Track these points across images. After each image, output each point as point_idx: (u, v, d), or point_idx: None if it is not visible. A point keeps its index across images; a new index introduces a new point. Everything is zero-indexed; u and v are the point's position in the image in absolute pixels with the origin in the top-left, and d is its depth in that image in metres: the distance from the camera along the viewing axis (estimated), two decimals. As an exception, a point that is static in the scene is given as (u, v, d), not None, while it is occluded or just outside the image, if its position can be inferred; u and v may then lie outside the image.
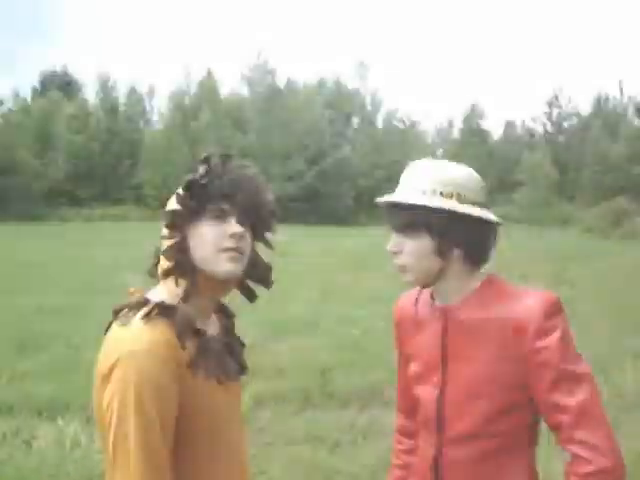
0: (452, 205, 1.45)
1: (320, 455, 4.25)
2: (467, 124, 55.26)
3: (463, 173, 1.51)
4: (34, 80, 55.23)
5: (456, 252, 1.49)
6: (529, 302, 1.44)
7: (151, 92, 53.07)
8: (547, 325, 1.40)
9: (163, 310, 1.30)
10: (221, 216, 1.34)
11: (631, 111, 55.22)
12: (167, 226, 1.34)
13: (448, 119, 67.56)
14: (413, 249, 1.49)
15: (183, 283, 1.33)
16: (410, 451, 1.81)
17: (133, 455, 1.20)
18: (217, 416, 1.36)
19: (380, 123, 54.47)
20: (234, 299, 1.61)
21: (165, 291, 1.36)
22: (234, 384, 1.45)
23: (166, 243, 1.34)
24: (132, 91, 50.86)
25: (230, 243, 1.34)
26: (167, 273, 1.34)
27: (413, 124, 56.82)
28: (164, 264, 1.34)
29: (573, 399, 1.37)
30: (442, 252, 1.48)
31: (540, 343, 1.40)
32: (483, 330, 1.48)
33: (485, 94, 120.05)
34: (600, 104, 56.07)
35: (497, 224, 1.53)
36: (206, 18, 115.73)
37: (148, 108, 52.82)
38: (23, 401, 5.05)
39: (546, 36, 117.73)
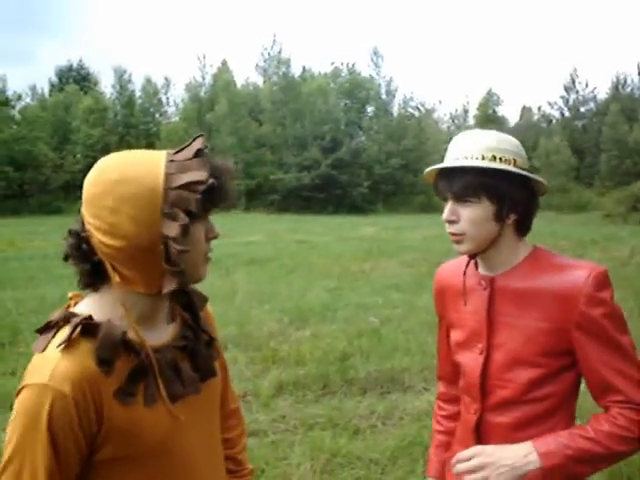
0: (513, 169, 1.48)
1: (340, 441, 4.27)
2: (483, 110, 54.85)
3: (515, 141, 1.54)
4: (51, 74, 55.61)
5: (512, 217, 1.52)
6: (579, 273, 1.46)
7: (167, 84, 53.23)
8: (597, 296, 1.44)
9: (86, 329, 1.16)
10: (204, 217, 1.23)
11: (650, 94, 54.51)
12: (183, 233, 1.15)
13: (463, 106, 67.24)
14: (472, 215, 1.49)
15: (147, 288, 1.20)
16: (452, 417, 1.87)
17: (8, 460, 1.11)
18: (167, 443, 1.23)
19: (395, 111, 54.24)
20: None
21: (100, 298, 1.23)
22: (196, 397, 1.30)
23: (177, 248, 1.15)
24: (148, 83, 51.04)
25: (209, 247, 1.26)
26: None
27: (428, 111, 56.50)
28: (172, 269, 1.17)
29: (615, 369, 1.44)
30: (501, 217, 1.50)
31: (590, 312, 1.44)
32: (531, 299, 1.51)
33: (501, 80, 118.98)
34: (618, 88, 55.36)
35: (541, 192, 1.57)
36: (220, 9, 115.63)
37: (164, 100, 52.98)
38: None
39: (562, 20, 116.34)
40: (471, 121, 58.34)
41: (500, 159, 1.47)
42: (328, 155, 45.10)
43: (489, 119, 53.24)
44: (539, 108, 60.13)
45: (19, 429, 1.11)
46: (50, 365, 1.12)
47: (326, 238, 20.81)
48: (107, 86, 55.40)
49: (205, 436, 1.34)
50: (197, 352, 1.33)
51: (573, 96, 56.80)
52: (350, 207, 43.81)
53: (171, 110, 53.29)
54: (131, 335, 1.19)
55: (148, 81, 51.09)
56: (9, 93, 44.70)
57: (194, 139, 1.24)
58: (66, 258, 1.24)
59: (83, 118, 44.85)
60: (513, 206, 1.50)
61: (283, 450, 4.17)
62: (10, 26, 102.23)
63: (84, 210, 1.19)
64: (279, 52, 52.97)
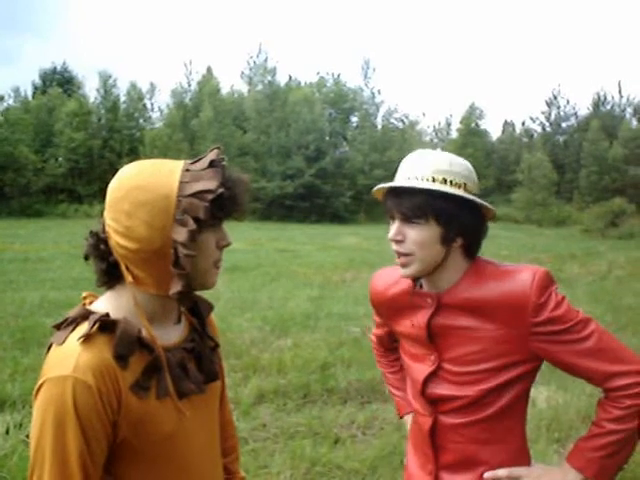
0: (463, 193, 1.48)
1: (321, 450, 4.28)
2: (466, 124, 55.27)
3: (467, 165, 1.54)
4: (34, 77, 55.20)
5: (458, 241, 1.52)
6: (522, 278, 1.48)
7: (152, 89, 53.03)
8: (542, 299, 1.46)
9: (104, 325, 1.22)
10: (216, 225, 1.28)
11: (629, 112, 55.31)
12: (190, 238, 1.21)
13: (447, 119, 67.67)
14: (419, 236, 1.49)
15: (152, 290, 1.27)
16: (396, 359, 2.00)
17: (39, 453, 1.14)
18: (173, 436, 1.29)
19: (379, 122, 54.45)
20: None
21: (115, 297, 1.29)
22: (200, 397, 1.37)
23: (184, 252, 1.21)
24: (133, 88, 50.78)
25: (220, 254, 1.32)
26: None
27: (412, 123, 56.83)
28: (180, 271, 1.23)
29: (587, 344, 1.47)
30: (447, 240, 1.50)
31: (540, 316, 1.47)
32: (479, 309, 1.52)
33: (484, 94, 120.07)
34: (598, 105, 56.09)
35: (490, 218, 1.58)
36: (207, 15, 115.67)
37: (149, 105, 52.77)
38: (26, 396, 5.08)
39: (545, 37, 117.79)
40: (454, 134, 58.76)
41: (451, 182, 1.47)
42: (312, 164, 45.16)
43: (472, 133, 53.69)
44: (523, 123, 60.74)
45: (48, 420, 1.14)
46: (72, 357, 1.17)
47: (308, 247, 20.85)
48: (91, 90, 55.17)
49: (207, 434, 1.40)
50: (203, 355, 1.40)
51: (555, 112, 57.49)
52: (332, 217, 43.90)
53: (155, 116, 53.12)
54: (144, 333, 1.26)
55: (133, 86, 50.85)
56: (-9, 94, 44.33)
57: (210, 150, 1.30)
58: (86, 257, 1.31)
59: (66, 121, 44.49)
60: (460, 230, 1.50)
61: (263, 458, 4.17)
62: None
63: (105, 213, 1.26)
64: (265, 60, 53.06)
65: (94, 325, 1.20)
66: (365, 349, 6.88)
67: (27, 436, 4.42)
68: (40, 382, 1.18)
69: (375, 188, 1.59)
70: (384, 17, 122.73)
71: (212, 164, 1.26)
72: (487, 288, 1.51)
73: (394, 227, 1.52)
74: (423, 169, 1.49)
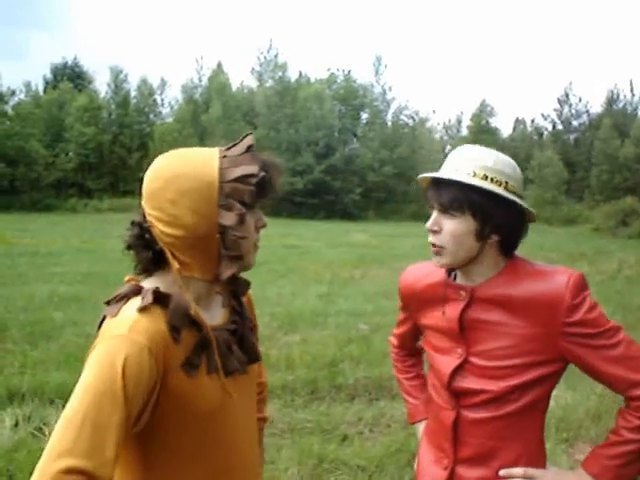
0: (502, 191, 1.48)
1: (328, 447, 4.27)
2: (476, 121, 55.03)
3: (511, 164, 1.55)
4: (45, 71, 55.38)
5: (494, 238, 1.53)
6: (558, 278, 1.49)
7: (162, 85, 53.11)
8: (577, 300, 1.47)
9: (157, 297, 1.25)
10: (254, 208, 1.33)
11: (642, 110, 54.91)
12: (240, 221, 1.27)
13: (457, 116, 67.46)
14: (454, 228, 1.51)
15: (196, 272, 1.31)
16: (413, 365, 2.05)
17: (77, 403, 1.11)
18: (215, 414, 1.32)
19: (389, 119, 54.32)
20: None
21: (160, 280, 1.32)
22: (243, 376, 1.41)
23: (236, 234, 1.27)
24: (143, 83, 50.87)
25: (258, 236, 1.36)
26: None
27: (422, 120, 56.64)
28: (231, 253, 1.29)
29: (615, 351, 1.48)
30: (482, 235, 1.51)
31: (573, 317, 1.47)
32: (512, 306, 1.53)
33: (495, 91, 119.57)
34: (611, 103, 55.71)
35: (530, 219, 1.58)
36: (218, 10, 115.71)
37: (159, 101, 52.85)
38: (35, 389, 5.11)
39: (557, 34, 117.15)
40: (464, 132, 58.47)
41: (492, 179, 1.49)
42: (321, 161, 45.13)
43: (482, 130, 53.39)
44: (532, 121, 60.39)
45: (93, 373, 1.14)
46: (128, 322, 1.21)
47: (317, 244, 20.84)
48: (102, 84, 55.28)
49: (247, 413, 1.45)
50: (245, 336, 1.44)
51: (566, 110, 57.15)
52: (342, 213, 43.85)
53: (165, 111, 53.20)
54: (193, 312, 1.29)
55: (144, 81, 50.94)
56: (2, 89, 44.48)
57: (245, 136, 1.35)
58: (129, 247, 1.34)
59: (77, 116, 44.65)
60: (496, 227, 1.51)
61: (271, 454, 4.17)
62: (3, 20, 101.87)
63: (145, 203, 1.30)
64: (275, 56, 53.06)
65: (150, 296, 1.24)
66: (374, 346, 6.88)
67: (36, 429, 4.45)
68: (93, 346, 1.20)
69: (419, 177, 1.62)
70: (396, 13, 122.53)
71: (249, 149, 1.31)
72: (522, 285, 1.52)
73: (432, 217, 1.55)
74: (467, 163, 1.51)
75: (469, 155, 1.53)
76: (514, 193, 1.51)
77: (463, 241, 1.51)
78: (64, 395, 5.08)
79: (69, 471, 1.04)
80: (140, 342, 1.18)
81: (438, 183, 1.53)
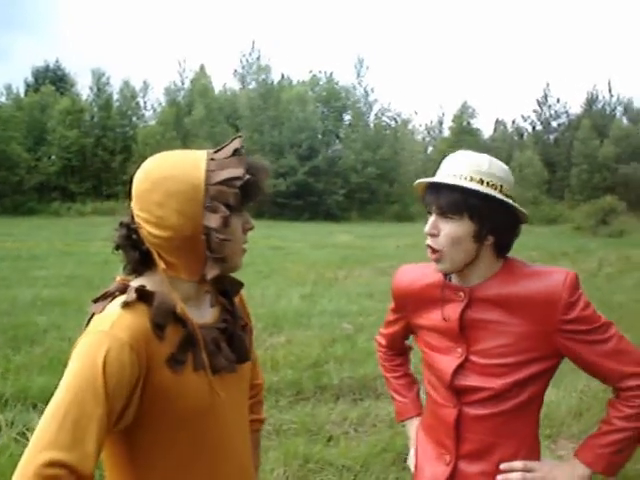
0: (498, 195, 1.55)
1: (313, 447, 4.27)
2: (458, 122, 55.29)
3: (504, 168, 1.61)
4: (26, 73, 54.87)
5: (490, 239, 1.59)
6: (555, 277, 1.55)
7: (145, 87, 52.79)
8: (574, 298, 1.53)
9: (142, 295, 1.27)
10: (241, 210, 1.35)
11: (620, 111, 55.52)
12: (224, 224, 1.28)
13: (439, 117, 67.74)
14: (452, 231, 1.57)
15: (185, 272, 1.33)
16: (401, 364, 2.07)
17: (60, 398, 1.14)
18: (204, 414, 1.32)
19: (372, 120, 54.44)
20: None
21: (148, 280, 1.34)
22: (232, 375, 1.41)
23: (219, 237, 1.28)
24: (126, 86, 50.52)
25: (245, 238, 1.39)
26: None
27: (404, 122, 56.84)
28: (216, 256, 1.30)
29: (608, 346, 1.55)
30: (479, 237, 1.57)
31: (570, 314, 1.53)
32: (509, 304, 1.58)
33: (476, 93, 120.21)
34: (590, 104, 56.24)
35: (523, 221, 1.64)
36: (200, 13, 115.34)
37: (142, 103, 52.53)
38: (18, 394, 5.07)
39: (537, 35, 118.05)
40: (446, 133, 58.76)
41: (487, 183, 1.55)
42: (305, 163, 45.14)
43: (464, 131, 53.66)
44: (513, 121, 60.80)
45: (74, 370, 1.17)
46: (111, 318, 1.23)
47: (301, 244, 20.84)
48: (84, 88, 54.72)
49: (237, 413, 1.46)
50: (235, 335, 1.45)
51: (546, 111, 57.60)
52: (325, 214, 43.89)
53: (148, 114, 52.85)
54: (179, 310, 1.30)
55: (126, 84, 50.56)
56: (-17, 92, 44.05)
57: (232, 139, 1.36)
58: (117, 247, 1.36)
59: (59, 119, 44.23)
60: (492, 228, 1.57)
61: (256, 455, 4.17)
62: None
63: (133, 204, 1.32)
64: (258, 59, 53.06)
65: (134, 293, 1.26)
66: (358, 346, 6.90)
67: (19, 434, 4.42)
68: (79, 339, 1.23)
69: (416, 182, 1.67)
70: (377, 15, 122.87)
71: (236, 152, 1.32)
72: (519, 285, 1.58)
73: (430, 221, 1.60)
74: (463, 168, 1.57)
75: (464, 160, 1.59)
76: (508, 196, 1.58)
77: (461, 243, 1.57)
78: (47, 399, 4.97)
79: (51, 464, 1.07)
80: (121, 338, 1.20)
81: (436, 187, 1.59)
